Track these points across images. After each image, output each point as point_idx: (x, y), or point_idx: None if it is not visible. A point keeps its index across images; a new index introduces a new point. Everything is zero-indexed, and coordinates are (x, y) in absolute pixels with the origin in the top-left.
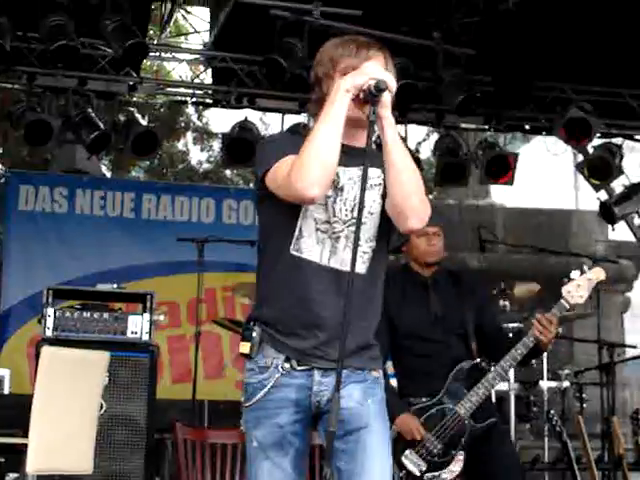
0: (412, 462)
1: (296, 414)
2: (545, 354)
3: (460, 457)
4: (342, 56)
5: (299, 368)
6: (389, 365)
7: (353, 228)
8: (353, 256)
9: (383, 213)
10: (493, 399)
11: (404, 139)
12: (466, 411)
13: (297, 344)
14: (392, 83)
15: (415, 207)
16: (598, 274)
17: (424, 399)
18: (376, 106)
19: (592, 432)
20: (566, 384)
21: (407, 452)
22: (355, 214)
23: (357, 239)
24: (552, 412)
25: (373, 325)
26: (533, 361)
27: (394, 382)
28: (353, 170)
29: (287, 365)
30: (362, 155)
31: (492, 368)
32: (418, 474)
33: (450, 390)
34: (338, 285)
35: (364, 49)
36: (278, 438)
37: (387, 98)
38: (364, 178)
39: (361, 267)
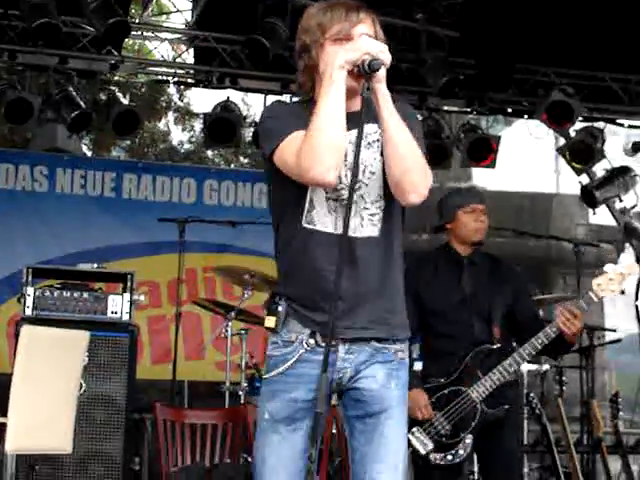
0: (419, 440)
1: (314, 391)
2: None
3: (468, 441)
4: (332, 21)
5: (323, 344)
6: (416, 347)
7: (359, 192)
8: (346, 219)
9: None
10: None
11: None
12: (478, 395)
13: (322, 317)
14: (386, 56)
15: (414, 182)
16: (632, 269)
17: (441, 380)
18: (370, 81)
19: (571, 415)
20: (546, 367)
21: (415, 429)
22: (360, 177)
23: (350, 202)
24: (532, 395)
25: (396, 290)
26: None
27: (419, 365)
28: (353, 133)
29: (312, 341)
30: (357, 115)
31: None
32: (424, 453)
33: (465, 372)
34: (350, 252)
35: (354, 12)
36: (291, 413)
37: (382, 72)
38: (358, 145)
39: (372, 230)
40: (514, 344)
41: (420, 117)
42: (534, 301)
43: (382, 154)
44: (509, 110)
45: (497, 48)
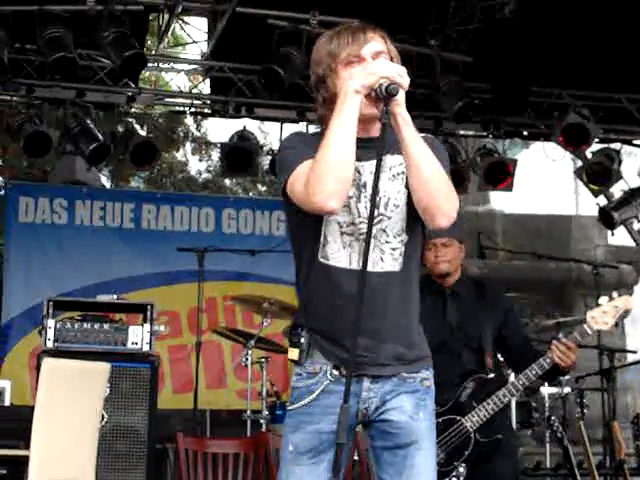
0: None
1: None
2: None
3: (462, 470)
4: (340, 46)
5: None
6: None
7: (380, 226)
8: (365, 252)
9: (411, 204)
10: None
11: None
12: (472, 424)
13: (342, 353)
14: (405, 79)
15: (441, 205)
16: (626, 302)
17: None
18: (389, 106)
19: (593, 437)
20: (567, 390)
21: None
22: (382, 210)
23: (369, 235)
24: (553, 418)
25: (414, 323)
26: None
27: None
28: (373, 163)
29: (336, 372)
30: (377, 144)
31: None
32: None
33: (459, 402)
34: (370, 287)
35: (360, 33)
36: (315, 445)
37: (401, 96)
38: (376, 178)
39: (393, 264)
40: (507, 371)
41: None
42: (523, 324)
43: (407, 186)
44: (525, 133)
45: (511, 72)
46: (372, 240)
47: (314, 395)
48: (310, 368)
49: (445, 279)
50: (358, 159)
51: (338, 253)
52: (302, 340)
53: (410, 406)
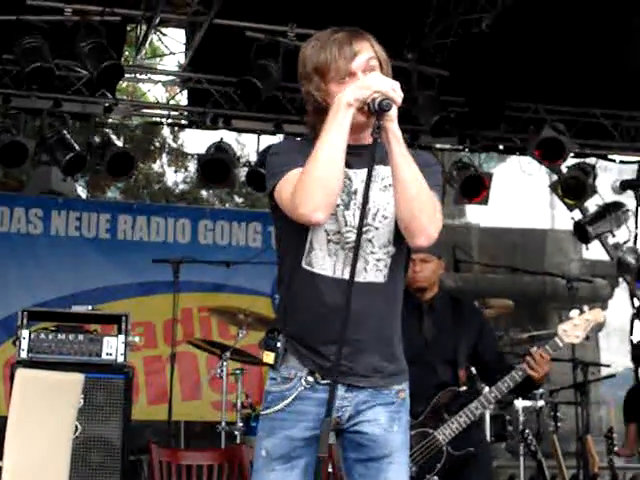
0: None
1: (313, 429)
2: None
3: None
4: (327, 62)
5: (323, 382)
6: None
7: (367, 236)
8: (353, 263)
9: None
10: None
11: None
12: (445, 437)
13: (320, 361)
14: (398, 94)
15: (423, 225)
16: (596, 316)
17: None
18: (381, 120)
19: (567, 451)
20: (541, 403)
21: None
22: (370, 220)
23: (358, 245)
24: (527, 431)
25: (397, 337)
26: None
27: None
28: (364, 172)
29: (311, 379)
30: (368, 153)
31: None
32: None
33: (431, 415)
34: (354, 297)
35: (347, 46)
36: (288, 450)
37: (393, 111)
38: (365, 197)
39: (377, 275)
40: (481, 384)
41: None
42: (497, 339)
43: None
44: (501, 147)
45: (487, 86)
46: (357, 250)
47: (288, 400)
48: (285, 373)
49: (423, 293)
50: (349, 166)
51: (323, 261)
52: (279, 344)
53: (385, 419)
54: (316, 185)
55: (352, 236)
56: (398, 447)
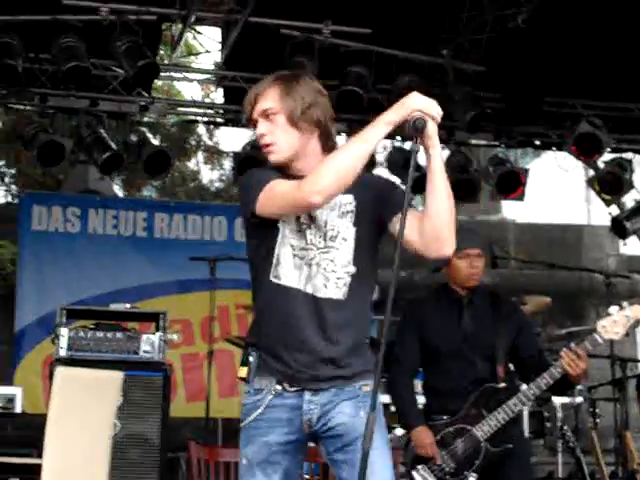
0: (423, 477)
1: (287, 434)
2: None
3: (472, 479)
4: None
5: (290, 389)
6: (417, 383)
7: (328, 256)
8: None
9: (362, 239)
10: (526, 426)
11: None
12: (483, 434)
13: (284, 369)
14: (435, 110)
15: (450, 236)
16: (637, 312)
17: (444, 417)
18: (421, 137)
19: (606, 447)
20: (579, 400)
21: (419, 467)
22: (329, 242)
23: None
24: (565, 428)
25: (354, 346)
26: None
27: (421, 400)
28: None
29: (279, 387)
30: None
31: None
32: None
33: (470, 411)
34: (314, 310)
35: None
36: (266, 456)
37: (432, 128)
38: (406, 205)
39: (336, 292)
40: (518, 381)
41: (448, 151)
42: (536, 336)
43: (355, 224)
44: (537, 142)
45: (523, 81)
46: (317, 267)
47: (260, 410)
48: (257, 385)
49: (465, 288)
50: None
51: (289, 272)
52: (250, 359)
53: (350, 409)
54: (331, 169)
55: (312, 254)
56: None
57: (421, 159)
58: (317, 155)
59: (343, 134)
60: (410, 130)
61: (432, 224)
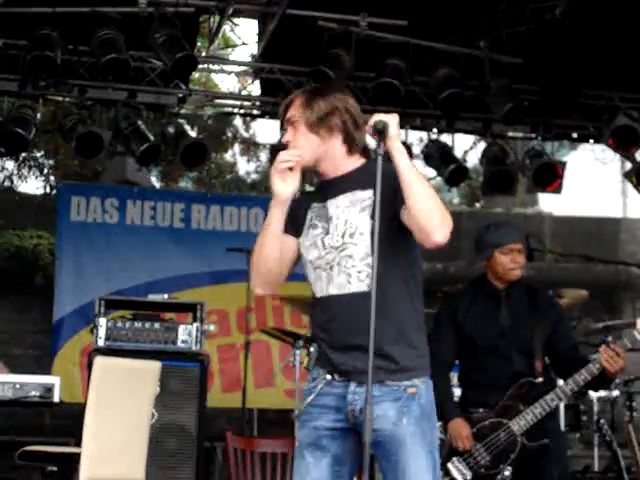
0: (458, 470)
1: (335, 421)
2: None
3: (507, 473)
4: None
5: (338, 379)
6: (453, 375)
7: (343, 253)
8: (373, 275)
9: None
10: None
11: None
12: (519, 428)
13: (332, 361)
14: (390, 119)
15: (436, 223)
16: None
17: (481, 410)
18: (384, 140)
19: None
20: (616, 393)
21: (454, 459)
22: (347, 239)
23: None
24: (602, 421)
25: (393, 337)
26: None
27: (457, 392)
28: (340, 198)
29: (329, 376)
30: (347, 181)
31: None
32: None
33: (507, 405)
34: (342, 308)
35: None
36: (314, 439)
37: (393, 131)
38: (375, 205)
39: (359, 285)
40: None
41: (485, 144)
42: (572, 330)
43: (372, 217)
44: (574, 135)
45: (561, 74)
46: (337, 267)
47: (313, 396)
48: (315, 374)
49: (505, 282)
50: (326, 198)
51: (315, 285)
52: (312, 350)
53: (393, 413)
54: (254, 265)
55: (331, 256)
56: (408, 438)
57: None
58: (342, 158)
59: None
60: (372, 133)
61: (413, 218)
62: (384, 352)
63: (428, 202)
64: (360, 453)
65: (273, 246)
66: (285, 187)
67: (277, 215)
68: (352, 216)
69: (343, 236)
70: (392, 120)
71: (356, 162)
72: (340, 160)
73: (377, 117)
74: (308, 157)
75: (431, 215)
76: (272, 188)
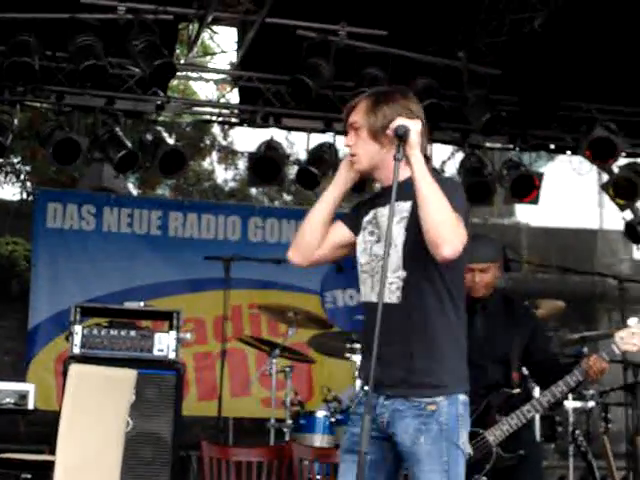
0: None
1: (371, 430)
2: None
3: None
4: None
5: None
6: None
7: (381, 263)
8: (381, 287)
9: (411, 243)
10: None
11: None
12: (495, 438)
13: (365, 373)
14: (412, 125)
15: (446, 236)
16: None
17: None
18: (403, 146)
19: (617, 452)
20: (591, 404)
21: None
22: (386, 249)
23: (384, 274)
24: (577, 432)
25: (419, 351)
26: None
27: None
28: (387, 208)
29: (366, 387)
30: (397, 191)
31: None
32: None
33: (482, 415)
34: (378, 317)
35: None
36: (351, 445)
37: (414, 138)
38: (391, 212)
39: (391, 297)
40: (532, 385)
41: (462, 154)
42: (550, 340)
43: (406, 228)
44: (552, 146)
45: (539, 85)
46: (377, 275)
47: (354, 405)
48: (358, 383)
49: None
50: (379, 205)
51: (362, 288)
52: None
53: (412, 430)
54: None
55: (375, 264)
56: (425, 457)
57: (436, 162)
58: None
59: None
60: (392, 137)
61: (425, 229)
62: (410, 367)
63: (440, 215)
64: (397, 461)
65: (318, 217)
66: (347, 172)
67: (332, 192)
68: (396, 228)
69: (388, 247)
70: (414, 127)
71: (409, 171)
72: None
73: (400, 121)
74: (365, 164)
75: (442, 228)
76: (338, 170)
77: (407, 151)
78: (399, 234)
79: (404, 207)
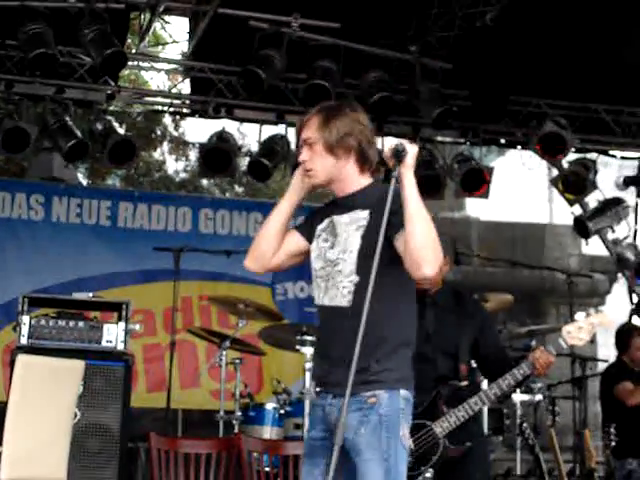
0: None
1: (323, 431)
2: None
3: (428, 475)
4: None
5: (321, 390)
6: None
7: (335, 268)
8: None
9: (366, 250)
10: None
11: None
12: (442, 430)
13: (315, 373)
14: (410, 148)
15: (428, 258)
16: (602, 319)
17: None
18: (399, 165)
19: (564, 445)
20: (539, 397)
21: None
22: (339, 255)
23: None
24: (524, 425)
25: (367, 352)
26: None
27: None
28: (344, 216)
29: (318, 389)
30: (353, 200)
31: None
32: None
33: (430, 407)
34: (329, 319)
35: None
36: (308, 449)
37: (410, 160)
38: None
39: (342, 300)
40: (480, 378)
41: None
42: (498, 334)
43: (362, 236)
44: (502, 141)
45: (490, 80)
46: (331, 280)
47: (308, 408)
48: (312, 387)
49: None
50: (336, 214)
51: (315, 292)
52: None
53: (355, 422)
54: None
55: (328, 270)
56: (365, 447)
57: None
58: (353, 176)
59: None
60: (390, 155)
61: (408, 248)
62: (358, 366)
63: (425, 238)
64: (351, 463)
65: (273, 227)
66: (302, 183)
67: (286, 202)
68: (349, 234)
69: (341, 252)
70: (412, 150)
71: (365, 181)
72: (351, 179)
73: (400, 142)
74: (322, 178)
75: (426, 250)
76: (292, 181)
77: (402, 171)
78: (355, 241)
79: (361, 215)
